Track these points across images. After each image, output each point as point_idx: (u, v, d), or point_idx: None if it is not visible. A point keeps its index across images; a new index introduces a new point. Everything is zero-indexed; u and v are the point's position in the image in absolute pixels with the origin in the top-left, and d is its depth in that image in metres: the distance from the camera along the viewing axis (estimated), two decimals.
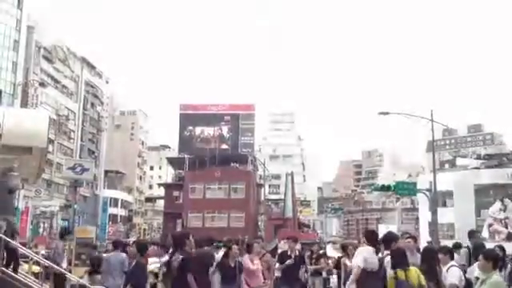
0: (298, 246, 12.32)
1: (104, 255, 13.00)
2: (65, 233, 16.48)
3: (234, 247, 9.74)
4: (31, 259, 11.21)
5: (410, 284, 6.98)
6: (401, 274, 7.07)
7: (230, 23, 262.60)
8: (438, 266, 7.44)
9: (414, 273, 7.12)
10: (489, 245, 11.18)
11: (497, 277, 6.18)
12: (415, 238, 9.88)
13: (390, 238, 8.22)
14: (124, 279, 9.37)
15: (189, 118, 70.68)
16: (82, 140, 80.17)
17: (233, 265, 9.47)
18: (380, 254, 7.92)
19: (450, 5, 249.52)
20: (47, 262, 11.03)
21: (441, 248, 8.63)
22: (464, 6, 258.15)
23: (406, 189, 34.73)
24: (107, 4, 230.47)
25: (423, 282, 7.06)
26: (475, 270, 7.30)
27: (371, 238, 8.05)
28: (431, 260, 7.41)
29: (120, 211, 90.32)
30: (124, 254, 10.74)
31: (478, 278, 6.49)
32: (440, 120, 31.19)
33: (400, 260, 7.24)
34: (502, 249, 8.46)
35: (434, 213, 28.71)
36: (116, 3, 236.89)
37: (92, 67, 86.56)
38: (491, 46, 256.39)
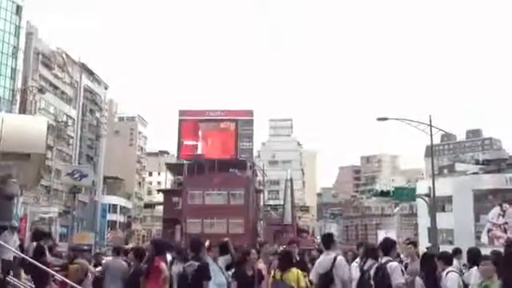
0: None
1: (103, 261, 12.90)
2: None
3: (253, 252, 8.52)
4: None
5: (286, 284, 7.82)
6: (278, 274, 7.97)
7: (229, 30, 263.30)
8: (438, 272, 7.43)
9: (294, 274, 7.88)
10: (487, 250, 11.14)
11: (501, 282, 6.18)
12: (415, 244, 9.86)
13: (387, 244, 8.21)
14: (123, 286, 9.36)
15: (188, 124, 70.67)
16: (80, 146, 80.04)
17: (250, 273, 8.16)
18: (380, 259, 7.90)
19: (447, 10, 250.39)
20: (48, 270, 10.98)
21: (438, 254, 8.61)
22: (462, 12, 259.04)
23: (405, 194, 34.84)
24: (106, 11, 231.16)
25: (302, 283, 7.91)
26: (473, 276, 7.26)
27: (325, 240, 8.71)
28: (430, 266, 7.41)
29: (119, 217, 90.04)
30: (124, 262, 10.69)
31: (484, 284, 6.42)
32: (439, 125, 31.23)
33: (287, 262, 8.09)
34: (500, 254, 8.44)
35: (433, 218, 28.67)
36: (114, 10, 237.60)
37: (91, 73, 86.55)
38: (490, 51, 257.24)
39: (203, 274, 7.67)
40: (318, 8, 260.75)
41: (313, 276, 8.28)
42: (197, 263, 7.76)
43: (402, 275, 7.60)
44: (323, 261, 8.19)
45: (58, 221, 61.38)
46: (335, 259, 8.00)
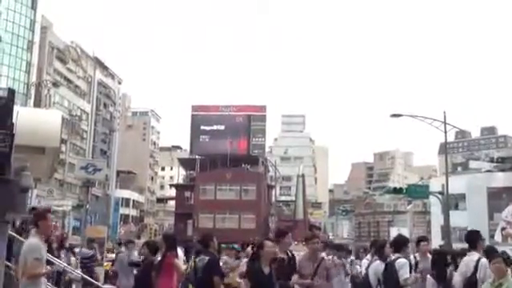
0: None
1: (118, 255, 13.06)
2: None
3: (268, 244, 6.84)
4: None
5: None
6: None
7: (243, 24, 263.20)
8: (452, 269, 7.38)
9: None
10: (501, 248, 11.08)
11: None
12: (427, 240, 9.82)
13: (399, 241, 8.18)
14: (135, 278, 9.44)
15: (200, 119, 70.82)
16: (94, 140, 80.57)
17: (267, 271, 6.68)
18: (392, 256, 7.89)
19: (464, 5, 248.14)
20: (60, 262, 11.09)
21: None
22: (476, 7, 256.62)
23: (418, 192, 34.53)
24: (119, 6, 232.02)
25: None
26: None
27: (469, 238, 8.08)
28: (441, 263, 7.36)
29: (131, 211, 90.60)
30: (136, 253, 10.80)
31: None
32: (453, 122, 31.05)
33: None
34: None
35: (447, 216, 28.47)
36: (128, 6, 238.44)
37: (105, 68, 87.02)
38: (506, 46, 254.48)
39: (213, 268, 7.60)
40: (333, 3, 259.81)
41: (456, 279, 7.60)
42: (207, 257, 7.72)
43: (408, 272, 7.56)
44: (468, 262, 7.59)
45: (71, 214, 61.88)
46: (478, 261, 7.45)
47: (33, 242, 5.86)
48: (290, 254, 7.84)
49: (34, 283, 5.74)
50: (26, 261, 5.69)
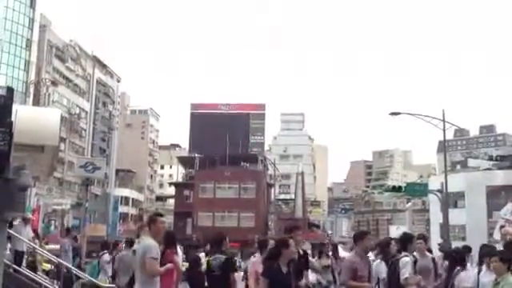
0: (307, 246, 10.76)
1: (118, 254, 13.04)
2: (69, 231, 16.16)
3: (293, 243, 6.66)
4: (42, 257, 11.33)
5: None
6: None
7: (242, 21, 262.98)
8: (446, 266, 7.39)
9: None
10: (500, 247, 11.05)
11: None
12: (425, 239, 9.81)
13: (404, 239, 8.19)
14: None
15: (200, 117, 70.82)
16: (93, 138, 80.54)
17: (285, 270, 6.44)
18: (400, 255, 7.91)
19: (463, 4, 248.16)
20: (58, 260, 11.12)
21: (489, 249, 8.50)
22: (477, 6, 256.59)
23: (417, 190, 34.58)
24: (118, 5, 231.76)
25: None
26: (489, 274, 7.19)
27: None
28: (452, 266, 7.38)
29: (131, 210, 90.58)
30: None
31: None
32: (452, 120, 31.05)
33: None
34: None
35: (446, 214, 28.48)
36: (127, 4, 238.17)
37: (103, 66, 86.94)
38: (504, 45, 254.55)
39: (231, 266, 7.71)
40: (333, 2, 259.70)
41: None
42: (223, 256, 7.77)
43: (410, 270, 7.57)
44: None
45: (70, 213, 61.88)
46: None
47: (150, 243, 6.39)
48: (301, 251, 7.57)
49: (152, 280, 6.33)
50: (145, 260, 6.23)
